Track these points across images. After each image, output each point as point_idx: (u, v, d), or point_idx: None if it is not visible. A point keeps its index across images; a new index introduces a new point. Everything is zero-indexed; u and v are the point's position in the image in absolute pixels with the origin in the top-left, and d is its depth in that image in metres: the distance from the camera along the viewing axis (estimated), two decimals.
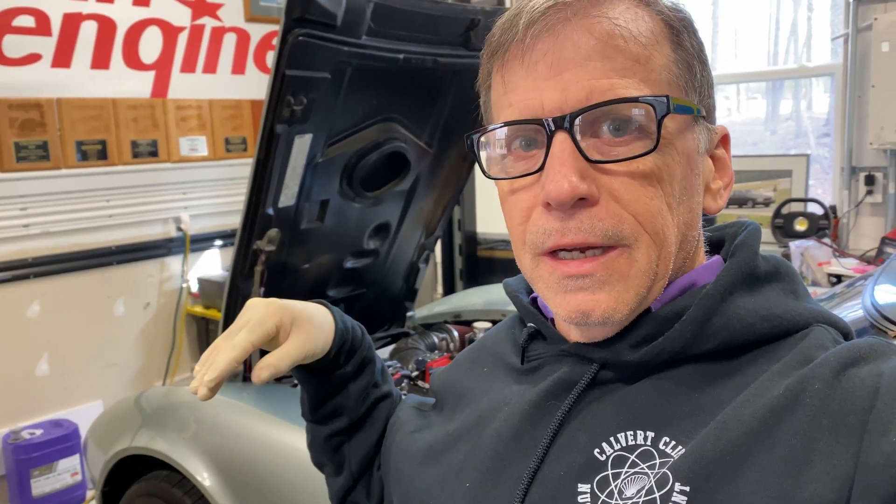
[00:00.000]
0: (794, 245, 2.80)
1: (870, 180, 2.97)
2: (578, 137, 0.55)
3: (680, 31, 0.58)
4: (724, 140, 0.64)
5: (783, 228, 3.08)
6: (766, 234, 3.14)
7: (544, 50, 0.56)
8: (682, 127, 0.58)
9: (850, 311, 1.20)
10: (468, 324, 2.46)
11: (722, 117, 4.15)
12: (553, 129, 0.55)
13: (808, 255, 2.74)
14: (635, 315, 0.58)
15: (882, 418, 0.47)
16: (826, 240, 2.89)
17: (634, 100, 0.54)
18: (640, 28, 0.56)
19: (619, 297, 0.56)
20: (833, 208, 3.06)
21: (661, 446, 0.54)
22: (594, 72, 0.55)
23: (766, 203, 3.24)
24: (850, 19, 2.95)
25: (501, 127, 0.59)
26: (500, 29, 0.60)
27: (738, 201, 3.31)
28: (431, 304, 2.81)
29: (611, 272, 0.56)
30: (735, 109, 4.12)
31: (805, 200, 3.10)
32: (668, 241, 0.57)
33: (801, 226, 3.04)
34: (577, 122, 0.55)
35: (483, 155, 0.62)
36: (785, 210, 3.10)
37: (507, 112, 0.59)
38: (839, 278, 2.57)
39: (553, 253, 0.58)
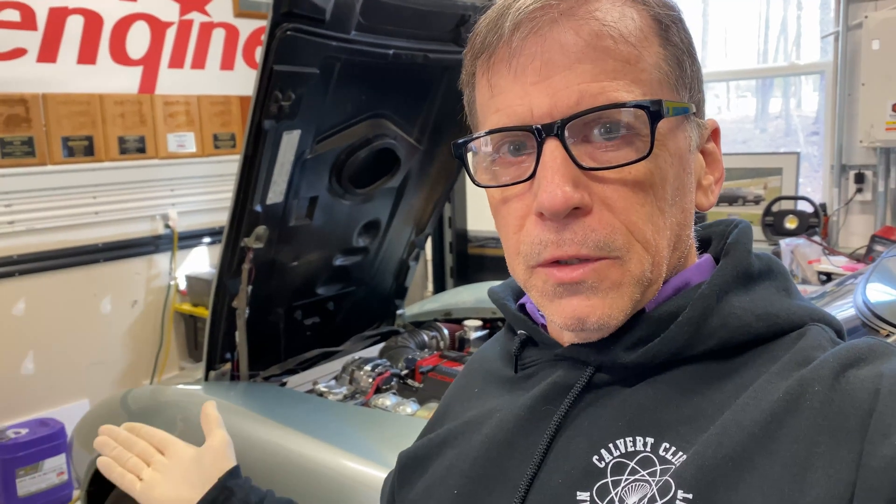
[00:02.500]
0: (785, 243, 2.80)
1: (859, 178, 2.98)
2: (570, 144, 0.53)
3: (669, 27, 0.57)
4: (715, 134, 0.63)
5: (773, 226, 3.08)
6: (757, 231, 3.14)
7: (532, 53, 0.54)
8: (674, 127, 0.56)
9: (842, 310, 1.20)
10: (458, 322, 2.45)
11: (712, 115, 4.15)
12: (543, 136, 0.54)
13: (799, 253, 2.74)
14: (629, 317, 0.57)
15: (883, 421, 0.46)
16: (816, 238, 2.90)
17: (629, 105, 0.52)
18: (629, 27, 0.54)
19: (614, 303, 0.55)
20: (823, 206, 3.06)
21: (661, 452, 0.53)
22: (584, 75, 0.53)
23: (757, 201, 3.24)
24: (840, 17, 2.95)
25: (489, 134, 0.57)
26: (485, 28, 0.58)
27: (729, 199, 3.31)
28: (422, 301, 2.80)
29: (602, 279, 0.55)
30: (725, 107, 4.13)
31: (795, 198, 3.10)
32: (660, 246, 0.56)
33: (791, 224, 3.04)
34: (567, 127, 0.53)
35: (471, 162, 0.60)
36: (775, 208, 3.10)
37: (494, 118, 0.57)
38: (829, 276, 2.58)
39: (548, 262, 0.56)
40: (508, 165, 0.57)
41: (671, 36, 0.57)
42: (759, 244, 3.06)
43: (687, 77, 0.58)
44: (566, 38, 0.53)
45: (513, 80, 0.55)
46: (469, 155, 0.60)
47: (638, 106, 0.52)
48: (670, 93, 0.56)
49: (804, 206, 3.07)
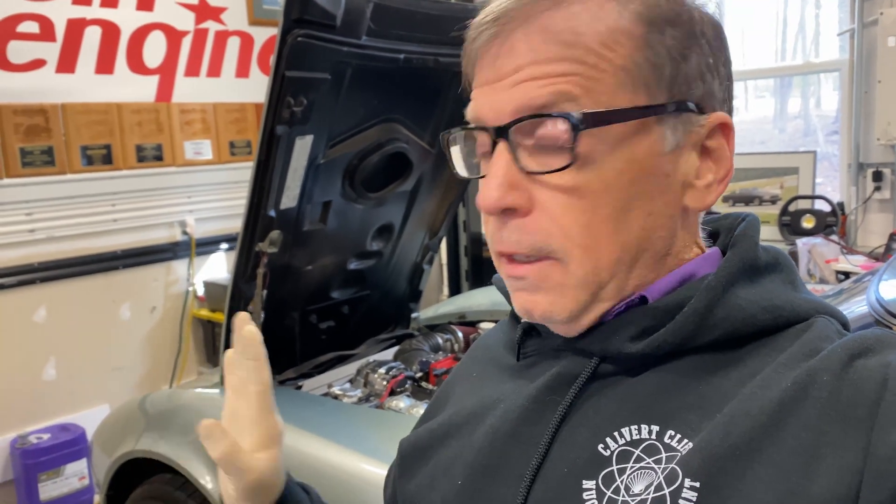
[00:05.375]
0: (802, 242, 2.78)
1: (877, 176, 2.95)
2: (522, 146, 0.56)
3: (655, 23, 0.55)
4: (724, 129, 0.59)
5: (790, 226, 3.06)
6: (774, 231, 3.11)
7: (494, 54, 0.56)
8: (630, 132, 0.55)
9: (856, 307, 1.19)
10: (473, 325, 2.45)
11: None
12: (495, 136, 0.56)
13: (816, 253, 2.72)
14: (587, 313, 0.58)
15: (891, 410, 0.46)
16: (834, 237, 2.87)
17: (545, 116, 0.54)
18: (590, 29, 0.54)
19: (555, 301, 0.57)
20: (841, 205, 3.03)
21: (666, 440, 0.53)
22: (533, 81, 0.54)
23: (773, 201, 3.22)
24: (855, 14, 2.92)
25: (448, 133, 0.62)
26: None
27: (745, 199, 3.29)
28: (437, 305, 2.81)
29: (543, 278, 0.57)
30: (743, 108, 4.10)
31: (812, 197, 3.08)
32: (605, 252, 0.56)
33: (808, 223, 3.02)
34: (516, 131, 0.55)
35: (454, 151, 0.64)
36: (792, 207, 3.08)
37: (467, 115, 0.61)
38: (847, 275, 2.55)
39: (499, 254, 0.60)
40: (486, 158, 0.60)
41: (653, 35, 0.55)
42: (776, 244, 3.03)
43: (667, 77, 0.55)
44: (522, 43, 0.55)
45: (478, 80, 0.58)
46: (452, 147, 0.64)
47: (556, 116, 0.54)
48: (631, 96, 0.55)
49: (822, 206, 3.04)
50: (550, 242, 0.56)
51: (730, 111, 0.60)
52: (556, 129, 0.54)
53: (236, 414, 0.70)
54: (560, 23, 0.54)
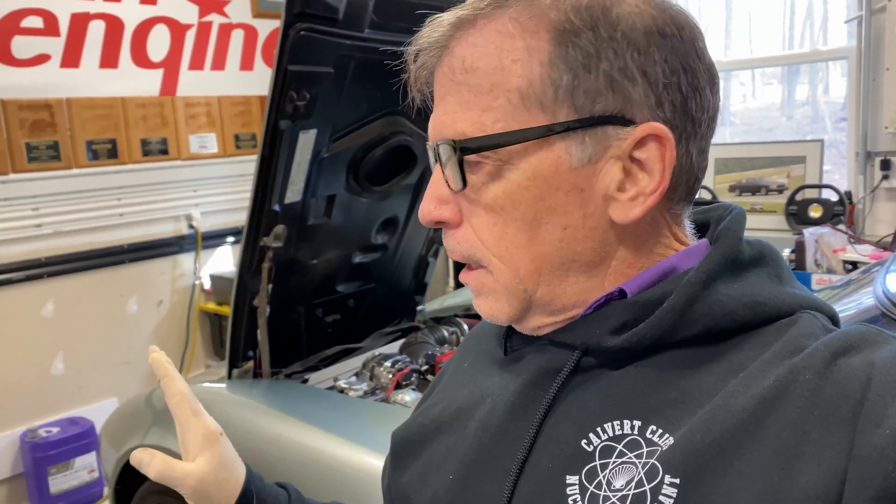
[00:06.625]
0: (809, 232, 2.76)
1: (885, 165, 2.92)
2: (445, 165, 0.60)
3: (559, 36, 0.54)
4: (658, 140, 0.55)
5: (797, 215, 3.04)
6: (780, 221, 3.10)
7: (430, 81, 0.62)
8: (530, 150, 0.56)
9: (864, 298, 1.18)
10: (478, 317, 2.45)
11: (737, 104, 4.10)
12: (434, 155, 0.61)
13: (823, 242, 2.70)
14: (530, 316, 0.61)
15: (875, 410, 0.46)
16: (841, 226, 2.85)
17: (439, 143, 0.59)
18: (489, 55, 0.56)
19: (493, 305, 0.62)
20: (848, 194, 3.01)
21: (648, 434, 0.53)
22: (446, 107, 0.59)
23: (780, 190, 3.20)
24: (863, 1, 2.89)
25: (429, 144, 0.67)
26: None
27: (752, 188, 3.27)
28: (442, 297, 2.81)
29: (480, 285, 0.62)
30: (751, 95, 4.07)
31: (819, 187, 3.06)
32: (521, 262, 0.59)
33: (815, 212, 3.00)
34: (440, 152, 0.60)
35: None
36: (799, 197, 3.06)
37: None
38: (855, 265, 2.54)
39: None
40: None
41: (561, 49, 0.55)
42: (783, 234, 3.02)
43: (562, 92, 0.55)
44: (441, 73, 0.60)
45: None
46: None
47: (442, 144, 0.58)
48: (526, 116, 0.55)
49: (829, 195, 3.02)
50: (475, 252, 0.60)
51: (675, 116, 0.56)
52: (448, 154, 0.58)
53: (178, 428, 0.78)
54: (466, 50, 0.58)
